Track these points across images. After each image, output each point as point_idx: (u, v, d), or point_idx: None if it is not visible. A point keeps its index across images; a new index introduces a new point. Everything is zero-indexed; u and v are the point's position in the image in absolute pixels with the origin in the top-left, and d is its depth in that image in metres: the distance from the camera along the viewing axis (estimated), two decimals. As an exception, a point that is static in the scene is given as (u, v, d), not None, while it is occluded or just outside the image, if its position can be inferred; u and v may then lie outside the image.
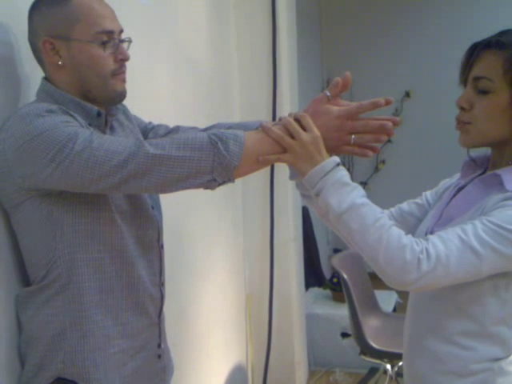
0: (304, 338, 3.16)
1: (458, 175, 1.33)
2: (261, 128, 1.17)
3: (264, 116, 2.79)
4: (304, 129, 1.14)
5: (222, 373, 2.59)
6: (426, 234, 1.21)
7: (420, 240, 1.08)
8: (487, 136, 1.16)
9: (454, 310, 1.19)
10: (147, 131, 1.45)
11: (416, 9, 4.47)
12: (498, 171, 1.16)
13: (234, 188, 2.71)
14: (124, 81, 1.24)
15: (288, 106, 2.89)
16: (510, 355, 1.18)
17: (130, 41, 1.24)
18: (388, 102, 1.14)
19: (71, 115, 1.15)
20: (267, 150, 1.14)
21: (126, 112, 1.40)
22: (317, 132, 1.13)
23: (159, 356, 1.34)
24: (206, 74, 2.46)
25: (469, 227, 1.08)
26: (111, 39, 1.19)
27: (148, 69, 1.89)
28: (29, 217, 1.16)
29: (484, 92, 1.13)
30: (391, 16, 4.54)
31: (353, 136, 1.15)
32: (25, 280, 1.23)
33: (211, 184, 1.13)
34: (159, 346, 1.34)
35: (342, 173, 1.12)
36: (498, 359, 1.17)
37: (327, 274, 3.91)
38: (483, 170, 1.26)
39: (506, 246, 1.06)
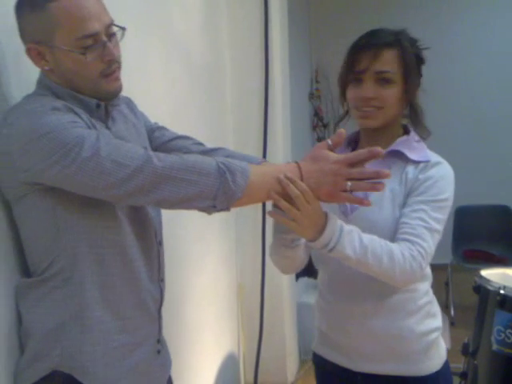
0: (295, 327, 3.17)
1: None
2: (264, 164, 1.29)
3: (255, 104, 2.82)
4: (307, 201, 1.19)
5: (214, 362, 2.60)
6: (346, 214, 1.40)
7: (408, 245, 1.29)
8: (389, 118, 1.38)
9: None
10: (153, 130, 1.43)
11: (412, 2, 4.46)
12: (394, 147, 1.40)
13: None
14: (117, 79, 1.20)
15: (280, 95, 2.89)
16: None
17: (123, 28, 1.20)
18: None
19: (76, 112, 1.13)
20: (268, 186, 1.17)
21: (130, 105, 1.39)
22: (318, 205, 1.21)
23: (159, 351, 1.34)
24: (199, 61, 2.45)
25: (423, 214, 1.31)
26: (96, 42, 1.13)
27: (141, 58, 1.87)
28: (32, 210, 1.14)
29: (387, 82, 1.35)
30: (381, 10, 4.53)
31: (349, 183, 1.17)
32: (24, 271, 1.22)
33: (209, 209, 1.15)
34: (158, 341, 1.34)
35: (345, 226, 1.26)
36: (428, 291, 1.45)
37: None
38: (352, 147, 1.48)
39: (446, 213, 1.35)
